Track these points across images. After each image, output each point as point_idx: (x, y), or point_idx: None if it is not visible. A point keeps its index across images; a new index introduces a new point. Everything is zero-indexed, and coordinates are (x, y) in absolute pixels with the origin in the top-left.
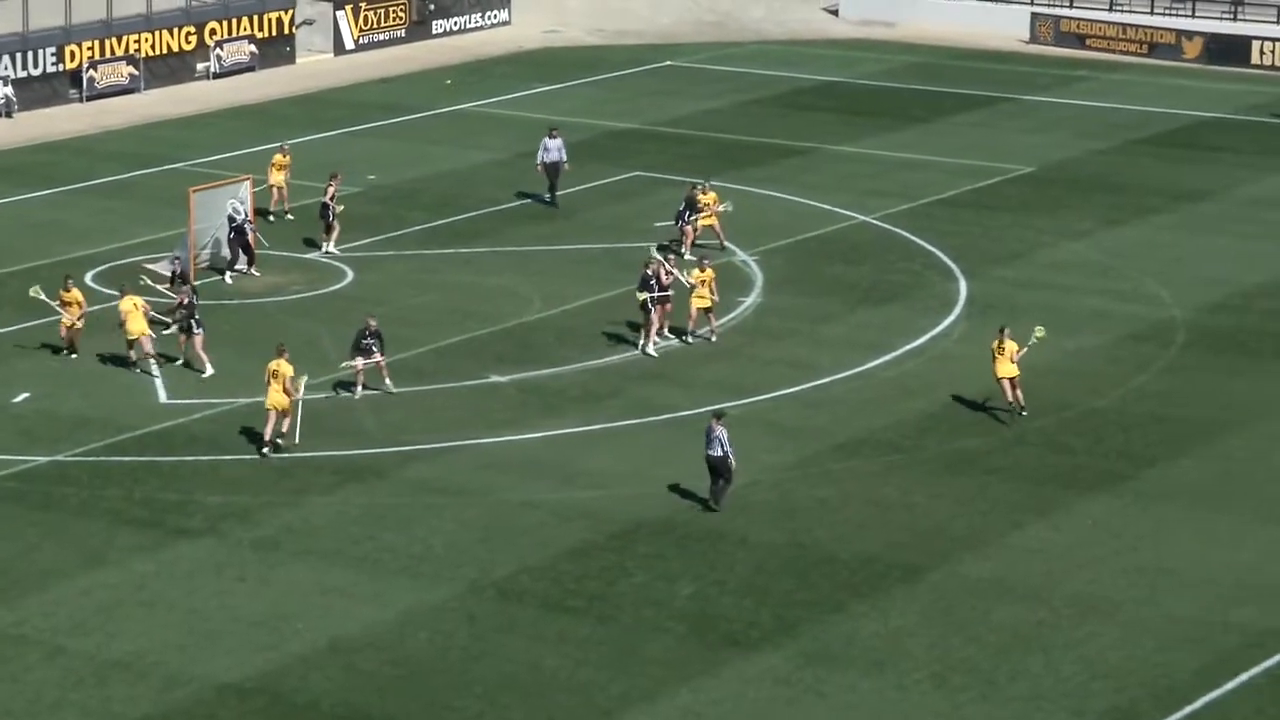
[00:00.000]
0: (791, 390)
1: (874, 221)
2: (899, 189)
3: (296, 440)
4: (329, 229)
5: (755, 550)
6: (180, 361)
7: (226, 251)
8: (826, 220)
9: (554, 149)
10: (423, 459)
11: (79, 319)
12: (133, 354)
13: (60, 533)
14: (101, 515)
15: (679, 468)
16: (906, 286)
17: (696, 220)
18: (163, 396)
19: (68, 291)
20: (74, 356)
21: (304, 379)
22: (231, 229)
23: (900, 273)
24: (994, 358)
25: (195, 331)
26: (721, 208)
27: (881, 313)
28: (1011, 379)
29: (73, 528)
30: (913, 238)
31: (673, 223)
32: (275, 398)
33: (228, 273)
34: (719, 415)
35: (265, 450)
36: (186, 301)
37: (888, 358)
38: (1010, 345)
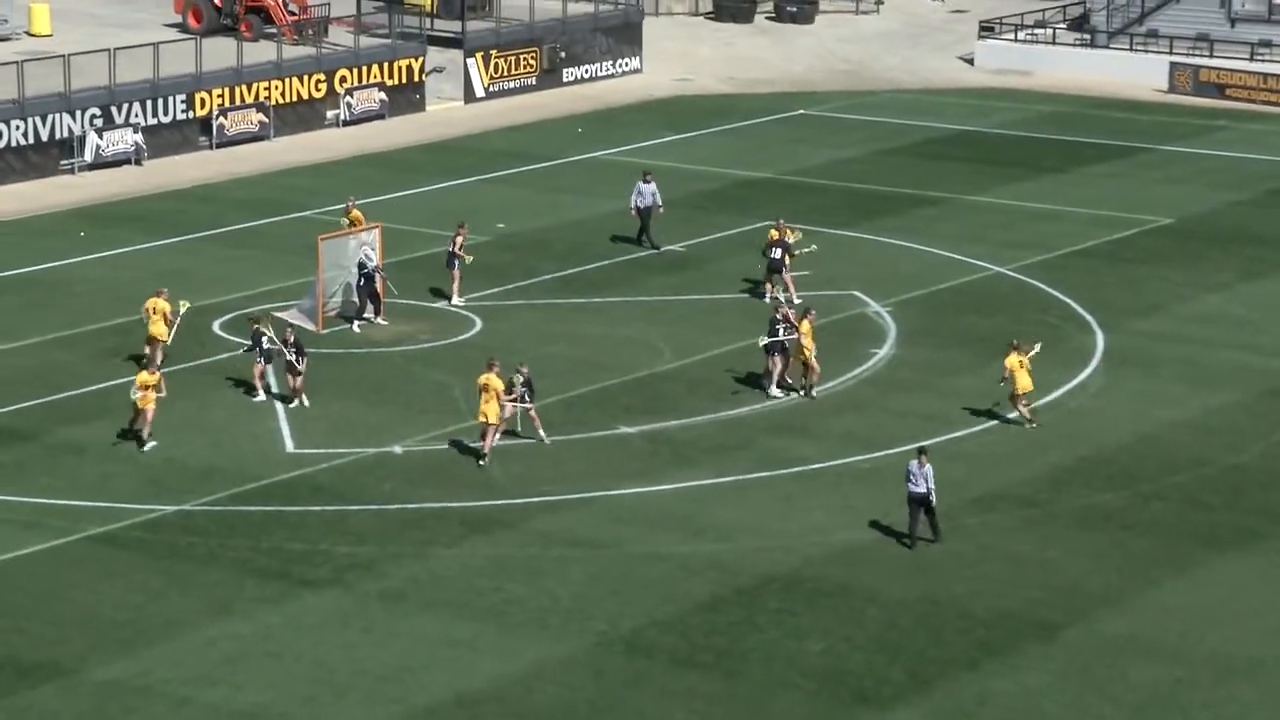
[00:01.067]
0: (924, 444)
1: (1009, 273)
2: (1034, 240)
3: (547, 439)
4: (456, 279)
5: (886, 606)
6: (293, 403)
7: (355, 299)
8: (960, 271)
9: (648, 193)
10: (551, 510)
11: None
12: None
13: (186, 583)
14: (228, 565)
15: (809, 521)
16: (1042, 339)
17: (791, 251)
18: (289, 446)
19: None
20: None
21: (520, 383)
22: (361, 276)
23: (1035, 325)
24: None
25: (299, 369)
26: (793, 240)
27: None
28: (1024, 393)
29: (199, 578)
30: (1048, 289)
31: (775, 273)
32: (488, 410)
33: (356, 321)
34: (922, 451)
35: (483, 461)
36: (291, 339)
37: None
38: (1015, 358)
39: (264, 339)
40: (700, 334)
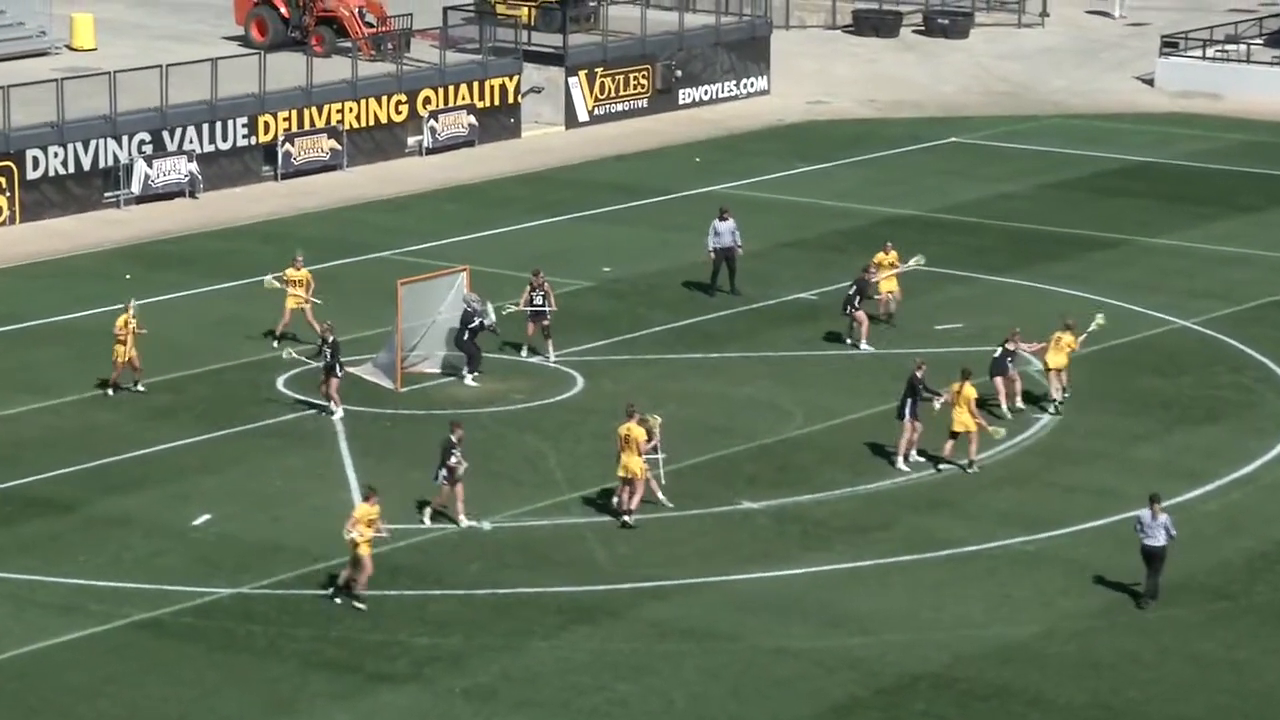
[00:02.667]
0: (1096, 524)
1: (1194, 326)
2: (1224, 289)
3: (667, 502)
4: (547, 333)
5: (1051, 711)
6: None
7: (457, 352)
8: (1138, 324)
9: (725, 232)
10: (662, 597)
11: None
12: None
13: (244, 677)
14: (291, 657)
15: (962, 612)
16: (1233, 404)
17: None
18: None
19: (296, 271)
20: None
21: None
22: (466, 329)
23: (1226, 387)
24: (1050, 348)
25: (337, 374)
26: (912, 262)
27: (1203, 434)
28: (1059, 370)
29: (258, 671)
30: (1241, 346)
31: (844, 312)
32: (630, 463)
33: (469, 376)
34: (1155, 499)
35: (627, 519)
36: (331, 339)
37: (1210, 487)
38: (1068, 338)
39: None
40: (835, 395)
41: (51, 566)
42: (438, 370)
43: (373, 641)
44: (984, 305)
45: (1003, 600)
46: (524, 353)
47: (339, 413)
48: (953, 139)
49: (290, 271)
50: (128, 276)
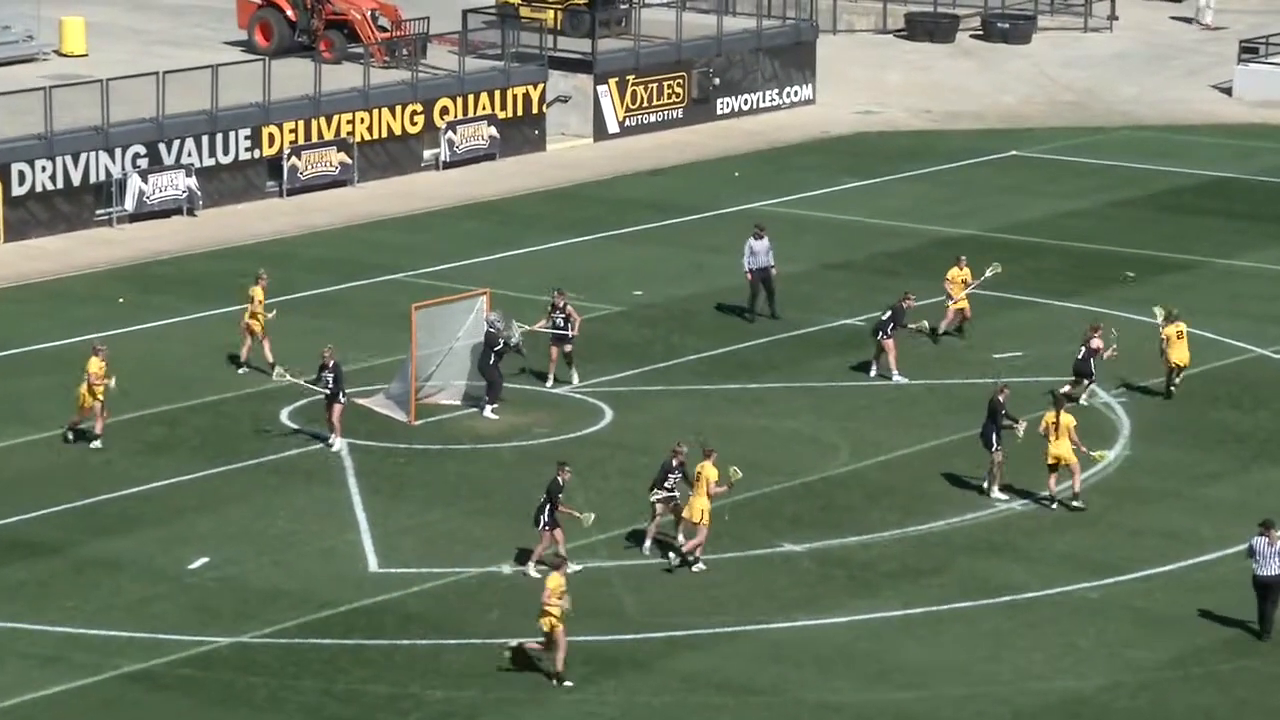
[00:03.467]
0: (1167, 569)
1: (1273, 355)
2: None
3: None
4: (569, 359)
5: None
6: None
7: (476, 381)
8: (1214, 353)
9: (761, 252)
10: (696, 647)
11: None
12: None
13: None
14: (295, 712)
15: (1022, 664)
16: None
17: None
18: (373, 564)
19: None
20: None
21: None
22: (492, 353)
23: None
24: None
25: (340, 400)
26: (989, 272)
27: None
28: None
29: None
30: None
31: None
32: (696, 504)
33: (489, 407)
34: (1270, 525)
35: (687, 561)
36: (332, 364)
37: None
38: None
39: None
40: (884, 429)
41: (36, 614)
42: (456, 401)
43: (382, 695)
44: (1046, 332)
45: (1066, 650)
46: (549, 383)
47: (338, 444)
48: (1014, 152)
49: (257, 290)
50: (121, 300)
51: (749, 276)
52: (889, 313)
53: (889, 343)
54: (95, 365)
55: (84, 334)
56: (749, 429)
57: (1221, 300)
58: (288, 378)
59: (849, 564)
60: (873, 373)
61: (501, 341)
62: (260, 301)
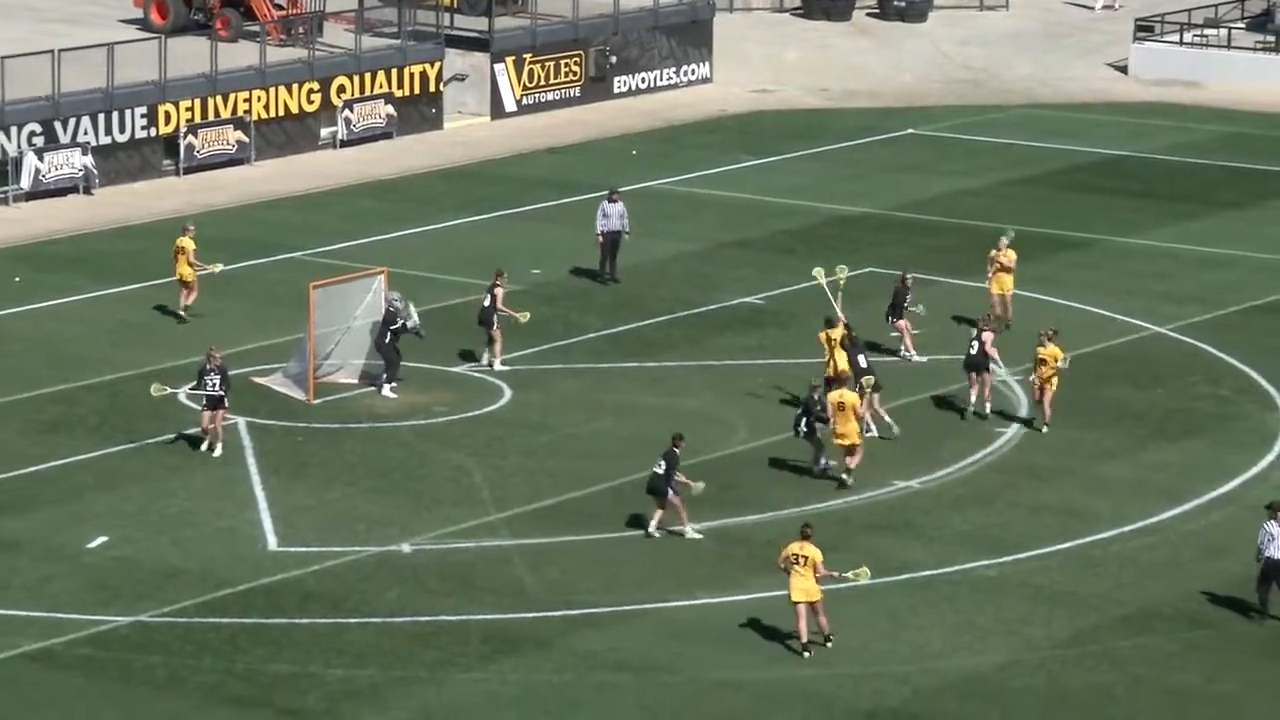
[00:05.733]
0: (1063, 546)
1: (1169, 333)
2: (1202, 292)
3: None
4: (491, 339)
5: None
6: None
7: (375, 360)
8: (1109, 331)
9: (614, 215)
10: (595, 626)
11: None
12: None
13: (143, 712)
14: (195, 691)
15: (920, 642)
16: (1212, 416)
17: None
18: (272, 542)
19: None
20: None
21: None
22: (390, 332)
23: (1204, 399)
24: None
25: (225, 405)
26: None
27: (1180, 449)
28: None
29: (158, 705)
30: (1220, 354)
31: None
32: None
33: (387, 386)
34: (1277, 508)
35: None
36: (217, 363)
37: (1188, 507)
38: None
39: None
40: (781, 407)
41: None
42: (354, 380)
43: (282, 674)
44: (943, 309)
45: (964, 628)
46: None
47: (218, 450)
48: (910, 131)
49: (185, 240)
50: (17, 279)
51: (600, 239)
52: (893, 298)
53: (902, 324)
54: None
55: None
56: (648, 407)
57: (1118, 278)
58: (166, 390)
59: (748, 542)
60: (902, 355)
61: (400, 322)
62: (193, 251)
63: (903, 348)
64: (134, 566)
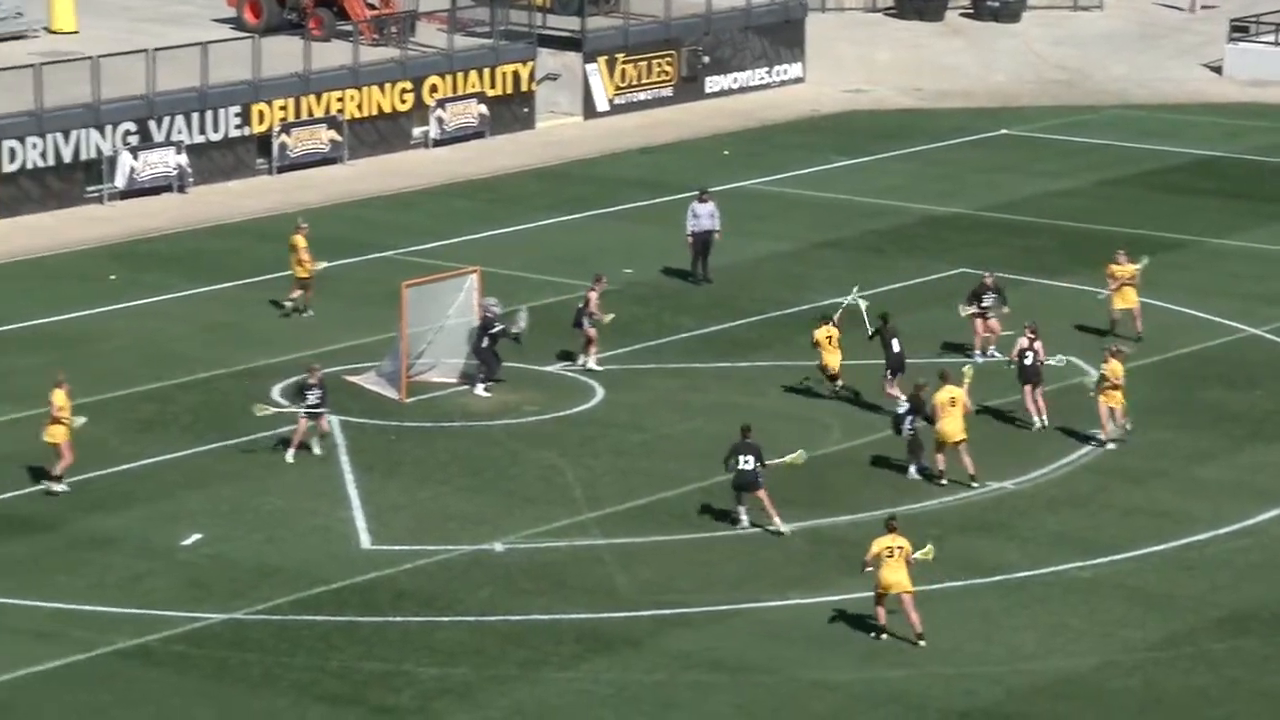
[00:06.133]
0: (1158, 548)
1: (1266, 335)
2: None
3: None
4: (588, 340)
5: None
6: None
7: (471, 360)
8: (1205, 333)
9: (704, 215)
10: (688, 625)
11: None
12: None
13: (237, 710)
14: (289, 689)
15: (1013, 643)
16: None
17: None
18: (365, 541)
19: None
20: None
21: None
22: (486, 335)
23: None
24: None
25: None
26: (1137, 266)
27: (1276, 451)
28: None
29: (252, 703)
30: None
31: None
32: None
33: (481, 386)
34: None
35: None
36: (317, 380)
37: None
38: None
39: (317, 389)
40: (877, 407)
41: (28, 590)
42: (449, 379)
43: (375, 672)
44: (1035, 311)
45: (1058, 630)
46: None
47: (290, 456)
48: (1003, 131)
49: (296, 238)
50: (112, 277)
51: (690, 239)
52: (971, 295)
53: (976, 323)
54: (60, 398)
55: (75, 311)
56: (739, 407)
57: (1213, 280)
58: (269, 410)
59: (841, 543)
60: (975, 354)
61: (499, 327)
62: (304, 249)
63: (976, 347)
64: (228, 564)
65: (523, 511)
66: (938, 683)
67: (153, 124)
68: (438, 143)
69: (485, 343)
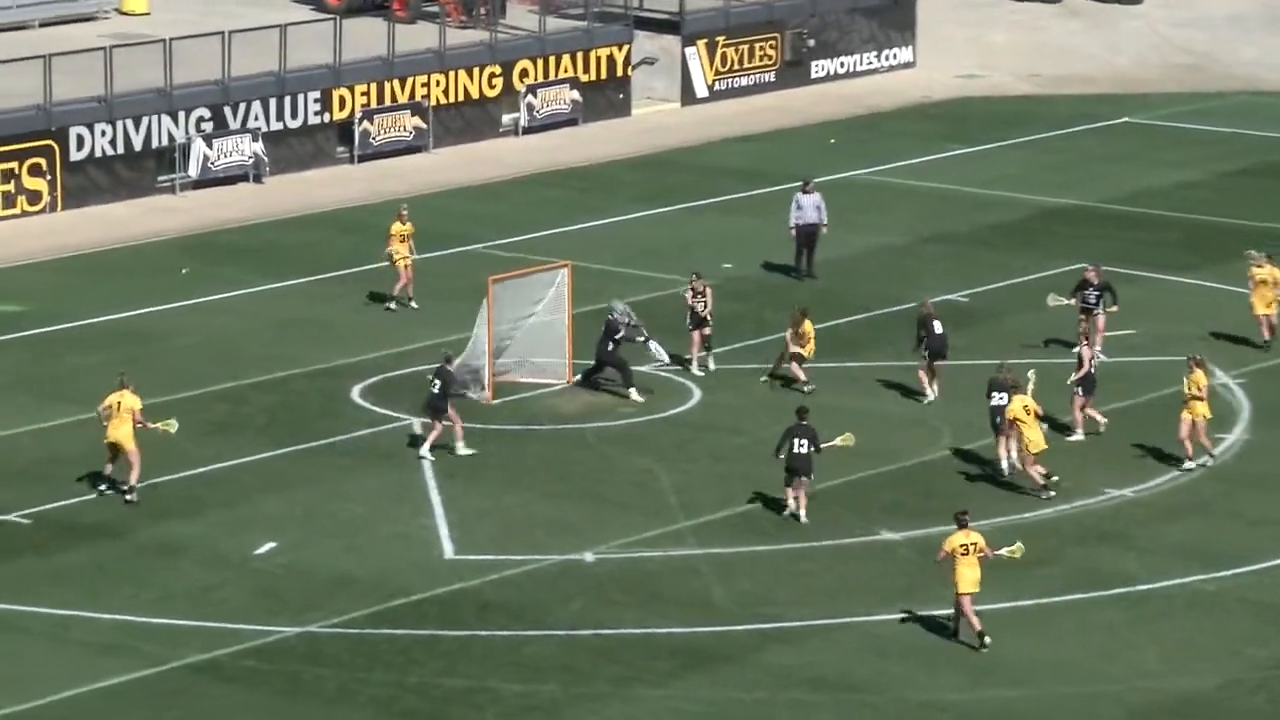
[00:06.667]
0: None
1: None
2: None
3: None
4: (704, 339)
5: None
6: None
7: (557, 358)
8: None
9: (809, 206)
10: (788, 640)
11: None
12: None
13: None
14: (366, 705)
15: (1135, 661)
16: None
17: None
18: (449, 550)
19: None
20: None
21: None
22: (613, 341)
23: None
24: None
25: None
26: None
27: None
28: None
29: None
30: None
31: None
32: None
33: (634, 389)
34: None
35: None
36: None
37: None
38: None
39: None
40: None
41: (93, 601)
42: (538, 380)
43: (458, 688)
44: (1160, 309)
45: (1182, 646)
46: (695, 367)
47: (462, 448)
48: (1125, 119)
49: (397, 226)
50: (185, 271)
51: (793, 232)
52: (1086, 288)
53: (1086, 322)
54: (115, 401)
55: (145, 307)
56: (844, 410)
57: None
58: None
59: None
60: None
61: (623, 330)
62: (398, 235)
63: (1081, 345)
64: (303, 574)
65: (614, 519)
66: (1056, 702)
67: (228, 110)
68: (527, 130)
69: (610, 347)
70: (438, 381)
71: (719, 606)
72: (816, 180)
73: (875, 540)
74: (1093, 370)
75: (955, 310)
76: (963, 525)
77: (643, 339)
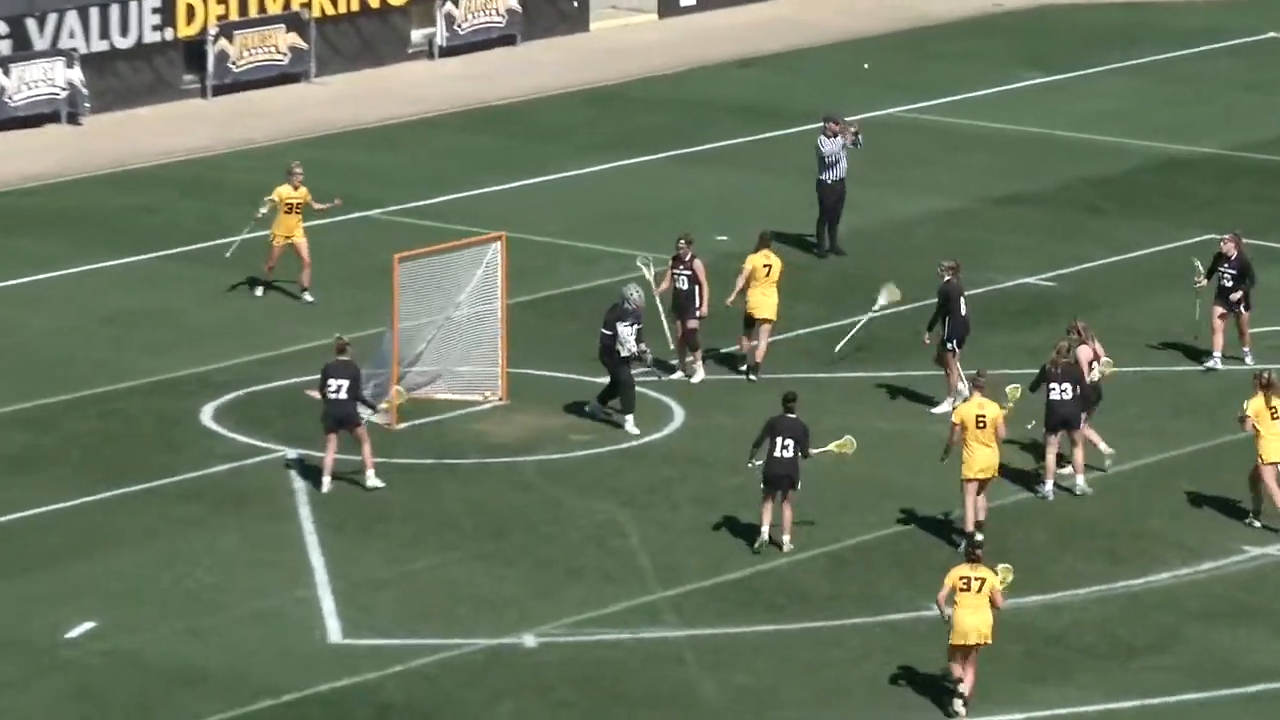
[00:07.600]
0: None
1: None
2: None
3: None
4: (689, 337)
5: None
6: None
7: (487, 366)
8: None
9: (834, 152)
10: None
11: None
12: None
13: None
14: None
15: None
16: None
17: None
18: (334, 633)
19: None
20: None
21: None
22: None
23: None
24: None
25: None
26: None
27: None
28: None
29: None
30: None
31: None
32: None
33: (628, 419)
34: None
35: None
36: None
37: None
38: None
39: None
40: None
41: None
42: (461, 396)
43: None
44: None
45: None
46: (676, 373)
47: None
48: (1272, 34)
49: (285, 190)
50: None
51: (819, 190)
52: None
53: (1214, 313)
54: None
55: None
56: (882, 436)
57: None
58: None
59: (1028, 636)
60: (1211, 363)
61: (630, 339)
62: (284, 203)
63: (1215, 347)
64: (132, 667)
65: (564, 589)
66: None
67: (31, 23)
68: (446, 51)
69: (621, 353)
70: (343, 382)
71: (709, 706)
72: (844, 119)
73: (922, 617)
74: (1098, 380)
75: (1035, 298)
76: (972, 558)
77: (648, 363)
